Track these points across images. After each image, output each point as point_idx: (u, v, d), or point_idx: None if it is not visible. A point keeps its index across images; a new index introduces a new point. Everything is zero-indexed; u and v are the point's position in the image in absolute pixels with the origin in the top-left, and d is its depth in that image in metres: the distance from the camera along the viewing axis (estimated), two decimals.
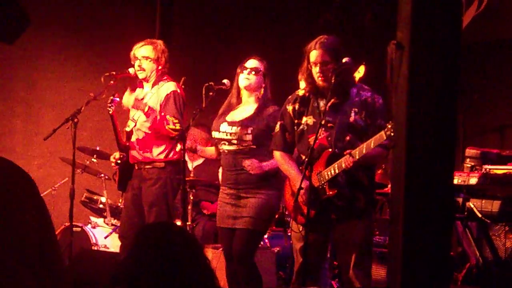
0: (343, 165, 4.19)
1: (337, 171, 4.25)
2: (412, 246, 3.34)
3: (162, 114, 5.43)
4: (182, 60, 8.31)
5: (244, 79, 5.02)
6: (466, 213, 5.28)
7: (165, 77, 5.64)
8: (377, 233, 6.36)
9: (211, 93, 5.10)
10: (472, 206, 5.11)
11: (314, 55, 4.36)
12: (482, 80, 7.98)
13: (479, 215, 5.16)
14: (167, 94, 5.51)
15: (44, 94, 7.96)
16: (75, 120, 5.69)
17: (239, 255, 4.94)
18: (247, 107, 5.09)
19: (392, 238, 3.62)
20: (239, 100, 5.12)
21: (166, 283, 2.01)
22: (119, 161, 5.64)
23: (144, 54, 5.58)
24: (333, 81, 4.26)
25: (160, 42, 5.72)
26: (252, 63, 5.06)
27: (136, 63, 5.59)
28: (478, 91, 7.34)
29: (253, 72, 5.02)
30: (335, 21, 8.21)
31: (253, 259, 5.02)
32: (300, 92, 4.57)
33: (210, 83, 5.15)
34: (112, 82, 5.64)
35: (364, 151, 4.11)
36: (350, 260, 4.38)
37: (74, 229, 6.25)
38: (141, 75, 5.60)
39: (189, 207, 6.23)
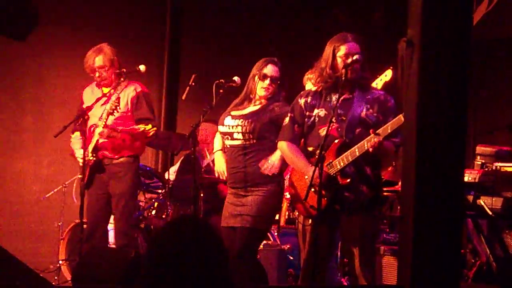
0: (366, 146, 4.19)
1: (350, 159, 4.26)
2: (422, 244, 3.34)
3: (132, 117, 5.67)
4: (192, 57, 8.33)
5: (264, 90, 4.95)
6: (476, 210, 5.27)
7: (122, 79, 5.75)
8: (387, 230, 6.35)
9: (221, 90, 5.09)
10: (483, 203, 5.10)
11: (345, 48, 4.36)
12: (492, 77, 7.96)
13: (489, 213, 5.15)
14: (136, 93, 5.72)
15: (54, 91, 7.97)
16: (85, 117, 5.72)
17: (239, 254, 4.85)
18: (255, 105, 5.05)
19: (402, 236, 3.63)
20: (249, 102, 5.04)
21: (188, 276, 2.02)
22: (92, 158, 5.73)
23: (98, 64, 5.74)
24: (343, 77, 4.28)
25: (104, 45, 5.83)
26: (272, 70, 4.94)
27: (96, 75, 5.76)
28: (489, 89, 7.31)
29: (274, 83, 4.95)
30: (345, 19, 8.21)
31: (255, 258, 4.98)
32: (313, 88, 4.57)
33: (220, 80, 5.14)
34: (122, 79, 5.66)
35: (389, 130, 4.13)
36: (353, 256, 4.40)
37: (85, 226, 6.25)
38: (104, 83, 5.78)
39: (200, 203, 6.20)
